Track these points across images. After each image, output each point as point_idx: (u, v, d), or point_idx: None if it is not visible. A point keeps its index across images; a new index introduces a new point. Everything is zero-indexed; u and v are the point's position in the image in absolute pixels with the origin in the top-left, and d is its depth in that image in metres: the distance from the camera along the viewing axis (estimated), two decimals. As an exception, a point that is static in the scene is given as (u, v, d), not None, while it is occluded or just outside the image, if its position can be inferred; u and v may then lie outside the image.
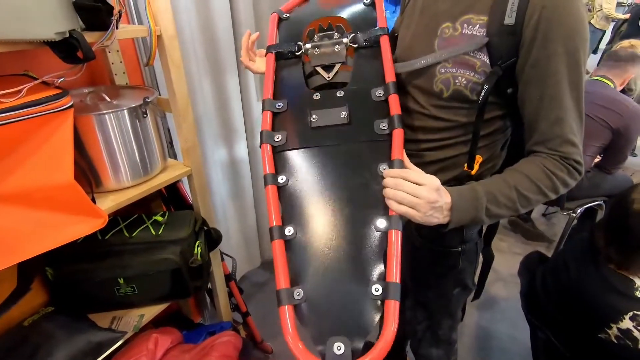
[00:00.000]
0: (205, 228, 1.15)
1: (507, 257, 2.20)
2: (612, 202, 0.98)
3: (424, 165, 0.72)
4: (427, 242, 0.85)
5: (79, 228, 0.76)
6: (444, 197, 0.59)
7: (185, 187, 1.21)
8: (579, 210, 1.84)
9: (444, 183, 0.64)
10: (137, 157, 0.93)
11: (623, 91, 1.79)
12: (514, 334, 1.70)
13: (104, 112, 0.84)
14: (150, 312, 1.08)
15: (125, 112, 0.87)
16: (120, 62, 1.06)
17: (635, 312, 0.86)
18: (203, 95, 1.43)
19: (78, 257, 0.96)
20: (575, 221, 1.88)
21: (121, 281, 0.99)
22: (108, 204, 0.88)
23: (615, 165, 1.80)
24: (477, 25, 0.62)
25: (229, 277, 1.36)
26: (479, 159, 0.72)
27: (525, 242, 2.31)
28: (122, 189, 0.94)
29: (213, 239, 1.17)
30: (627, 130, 1.66)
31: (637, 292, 0.89)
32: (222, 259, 1.32)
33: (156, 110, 0.99)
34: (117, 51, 1.04)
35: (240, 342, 0.82)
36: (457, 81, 0.65)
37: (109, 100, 0.91)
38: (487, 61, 0.62)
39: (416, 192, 0.55)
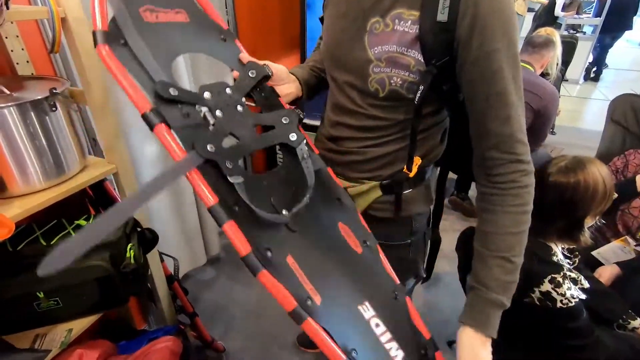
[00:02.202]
0: (139, 229, 1.07)
1: (449, 234, 2.31)
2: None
3: (367, 162, 0.73)
4: (376, 238, 0.83)
5: (-23, 240, 0.66)
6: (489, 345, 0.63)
7: (115, 187, 1.12)
8: (508, 186, 1.99)
9: (385, 179, 0.65)
10: (49, 156, 0.83)
11: (542, 75, 1.95)
12: (456, 305, 1.82)
13: (2, 105, 0.73)
14: (80, 325, 0.99)
15: (29, 105, 0.77)
16: (22, 49, 0.93)
17: (552, 275, 0.95)
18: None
19: (-16, 273, 0.84)
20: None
21: (40, 295, 0.89)
22: (14, 210, 0.78)
23: (536, 143, 1.97)
24: (409, 22, 0.58)
25: (170, 279, 1.29)
26: (417, 160, 0.72)
27: (465, 219, 2.47)
28: (33, 192, 0.83)
29: (148, 239, 1.09)
30: (546, 110, 1.81)
31: (554, 257, 0.98)
32: (162, 260, 1.25)
33: (69, 103, 0.89)
34: (17, 37, 0.92)
35: (179, 346, 0.78)
36: (392, 81, 0.62)
37: (8, 92, 0.80)
38: (421, 59, 0.59)
39: None
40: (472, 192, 2.70)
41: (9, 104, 0.74)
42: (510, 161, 0.61)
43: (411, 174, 0.72)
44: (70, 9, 0.78)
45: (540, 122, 1.87)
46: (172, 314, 1.33)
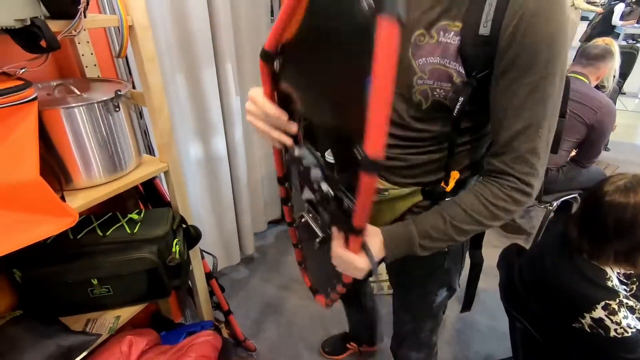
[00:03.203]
0: (184, 226, 1.12)
1: (487, 250, 2.21)
2: (585, 194, 1.01)
3: (409, 169, 0.72)
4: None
5: (47, 228, 0.72)
6: (374, 246, 0.62)
7: (163, 185, 1.18)
8: (555, 204, 1.89)
9: (427, 185, 0.65)
10: (110, 152, 0.89)
11: (597, 87, 1.84)
12: (492, 325, 1.74)
13: (73, 105, 0.80)
14: (127, 313, 1.05)
15: (96, 105, 0.83)
16: (91, 53, 1.01)
17: (606, 301, 0.89)
18: (176, 89, 1.39)
19: (48, 258, 0.91)
20: (552, 214, 1.93)
21: (94, 282, 0.95)
22: (79, 202, 0.84)
23: (589, 159, 1.85)
24: (452, 33, 0.57)
25: (209, 275, 1.34)
26: (455, 175, 0.70)
27: (504, 235, 2.36)
28: (94, 186, 0.90)
29: (192, 237, 1.14)
30: (600, 125, 1.71)
31: (609, 282, 0.92)
32: (202, 257, 1.29)
33: (130, 104, 0.95)
34: (88, 42, 1.00)
35: (219, 341, 0.80)
36: (435, 93, 0.62)
37: (78, 93, 0.87)
38: (463, 71, 0.58)
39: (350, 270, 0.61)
40: (514, 207, 2.58)
41: (80, 103, 0.81)
42: (500, 180, 0.61)
43: (448, 188, 0.71)
44: (137, 17, 0.84)
45: (594, 138, 1.76)
46: (209, 311, 1.37)
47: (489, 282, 2.04)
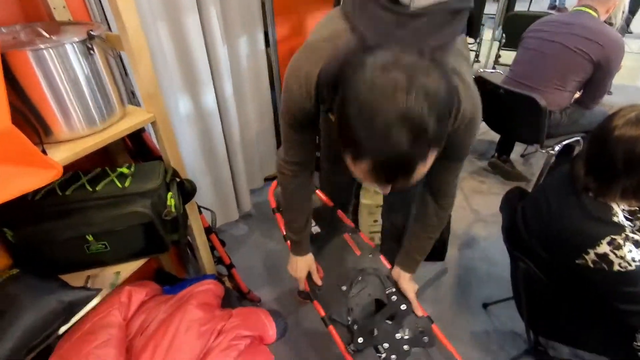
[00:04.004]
0: (178, 179, 1.08)
1: (487, 198, 2.24)
2: (594, 130, 0.96)
3: None
4: None
5: (29, 180, 0.68)
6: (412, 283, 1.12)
7: (153, 140, 1.12)
8: (557, 148, 1.86)
9: None
10: (90, 100, 0.83)
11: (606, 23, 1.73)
12: (492, 270, 1.77)
13: (42, 47, 0.72)
14: (127, 268, 1.04)
15: (67, 47, 0.75)
16: (58, -7, 0.91)
17: (612, 236, 0.87)
18: (159, 39, 1.29)
19: (38, 216, 0.88)
20: (553, 159, 1.90)
21: (90, 238, 0.93)
22: (61, 154, 0.79)
23: (594, 100, 1.79)
24: None
25: (208, 230, 1.32)
26: None
27: (505, 183, 2.36)
28: (77, 138, 0.85)
29: (187, 190, 1.10)
30: (607, 62, 1.62)
31: (614, 217, 0.90)
32: (200, 212, 1.27)
33: (106, 49, 0.87)
34: (53, -21, 0.90)
35: (221, 289, 0.80)
36: None
37: (47, 36, 0.79)
38: None
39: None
40: (515, 154, 2.55)
41: (49, 45, 0.73)
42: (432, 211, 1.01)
43: None
44: (102, -57, 0.74)
45: (600, 76, 1.69)
46: (211, 265, 1.37)
47: (489, 229, 2.07)
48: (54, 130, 0.81)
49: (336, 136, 0.62)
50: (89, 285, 0.97)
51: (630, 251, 0.87)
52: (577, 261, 0.93)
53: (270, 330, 0.70)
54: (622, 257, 0.87)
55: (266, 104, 2.04)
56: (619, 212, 0.91)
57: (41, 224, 0.87)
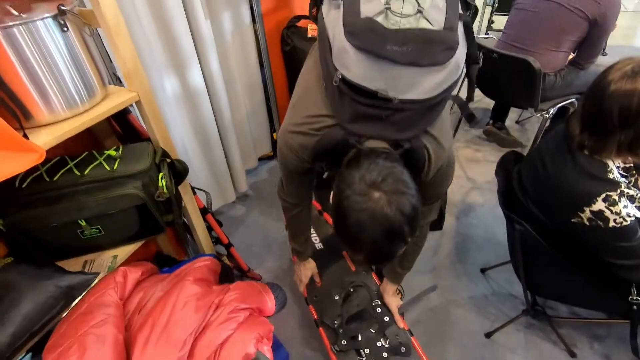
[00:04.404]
0: (169, 160, 1.06)
1: (483, 166, 2.24)
2: (589, 86, 0.94)
3: None
4: None
5: (10, 165, 0.66)
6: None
7: (141, 122, 1.10)
8: (551, 111, 1.84)
9: None
10: (68, 81, 0.80)
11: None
12: (488, 236, 1.79)
13: (10, 24, 0.69)
14: (124, 252, 1.03)
15: (38, 24, 0.72)
16: (25, -32, 0.86)
17: (607, 192, 0.87)
18: (137, 14, 1.24)
19: (27, 204, 0.87)
20: (548, 122, 1.88)
21: (83, 223, 0.92)
22: (43, 138, 0.77)
23: (588, 60, 1.76)
24: None
25: (204, 211, 1.31)
26: None
27: (500, 150, 2.34)
28: (59, 121, 0.82)
29: (179, 171, 1.08)
30: (603, 19, 1.58)
31: (610, 174, 0.90)
32: (194, 193, 1.26)
33: (81, 25, 0.83)
34: (18, -47, 0.84)
35: (217, 265, 0.79)
36: None
37: (16, 13, 0.75)
38: None
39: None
40: (510, 121, 2.53)
41: (17, 22, 0.69)
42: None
43: None
44: None
45: (595, 34, 1.65)
46: (209, 245, 1.37)
47: (486, 197, 2.07)
48: (33, 114, 0.79)
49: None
50: (86, 269, 0.97)
51: (626, 206, 0.87)
52: (572, 220, 0.93)
53: (269, 303, 0.70)
54: (617, 213, 0.87)
55: (256, 81, 1.99)
56: (614, 169, 0.91)
57: (31, 210, 0.86)
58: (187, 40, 1.42)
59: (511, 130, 2.45)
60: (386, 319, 1.25)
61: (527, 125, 2.57)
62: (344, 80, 0.70)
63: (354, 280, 1.34)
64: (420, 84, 0.69)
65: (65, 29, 0.76)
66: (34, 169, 0.90)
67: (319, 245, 1.50)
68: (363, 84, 0.68)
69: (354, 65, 0.68)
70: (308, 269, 1.31)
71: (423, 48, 0.66)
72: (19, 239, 0.90)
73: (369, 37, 0.66)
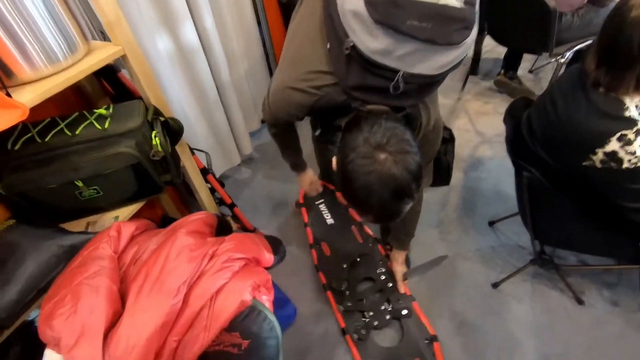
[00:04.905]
0: (162, 119, 1.03)
1: (492, 118, 2.15)
2: (607, 15, 0.86)
3: None
4: None
5: (-7, 122, 0.64)
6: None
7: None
8: (567, 55, 1.72)
9: None
10: (47, 35, 0.76)
11: None
12: (498, 189, 1.75)
13: (-26, -28, 0.65)
14: (125, 212, 1.04)
15: (5, -29, 0.67)
16: None
17: (622, 131, 0.82)
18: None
19: (22, 166, 0.86)
20: (563, 67, 1.77)
21: (79, 184, 0.91)
22: (27, 96, 0.74)
23: (608, -5, 1.62)
24: None
25: (205, 171, 1.30)
26: None
27: (510, 101, 2.24)
28: (42, 78, 0.79)
29: (174, 129, 1.06)
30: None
31: (626, 112, 0.83)
32: (193, 153, 1.24)
33: (53, -27, 0.78)
34: None
35: (213, 219, 0.79)
36: None
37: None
38: None
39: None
40: (522, 70, 2.40)
41: (-17, -31, 0.65)
42: None
43: None
44: None
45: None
46: (212, 206, 1.38)
47: (495, 149, 2.01)
48: (14, 71, 0.76)
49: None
50: (89, 231, 0.98)
51: (642, 145, 0.82)
52: (583, 163, 0.88)
53: (267, 253, 0.70)
54: (632, 153, 0.82)
55: (253, 38, 1.91)
56: (632, 106, 0.84)
57: (25, 172, 0.86)
58: (175, -8, 1.35)
59: (524, 80, 2.33)
60: (389, 285, 1.33)
61: (541, 74, 2.44)
62: (354, 48, 0.69)
63: (361, 251, 1.44)
64: (431, 61, 0.69)
65: (36, -22, 0.71)
66: (25, 130, 0.89)
67: (330, 221, 1.60)
68: (378, 60, 0.68)
69: (369, 39, 0.67)
70: (307, 177, 1.38)
71: (441, 26, 0.65)
72: (18, 202, 0.90)
73: (390, 10, 0.64)
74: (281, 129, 1.11)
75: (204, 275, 0.59)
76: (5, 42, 0.72)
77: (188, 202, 1.57)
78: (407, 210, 0.75)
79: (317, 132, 1.17)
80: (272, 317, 0.61)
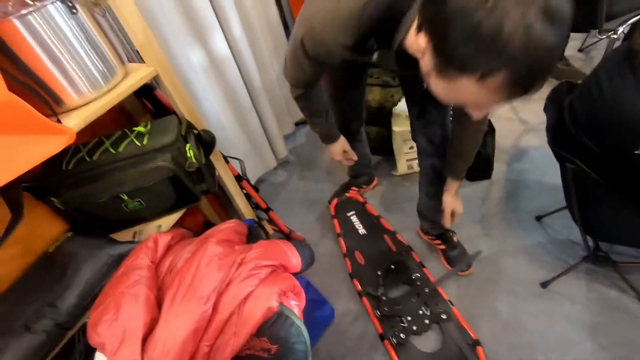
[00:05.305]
0: (196, 132, 1.09)
1: (537, 104, 1.98)
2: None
3: None
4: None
5: (45, 148, 0.71)
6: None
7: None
8: (620, 30, 1.56)
9: None
10: (87, 62, 0.83)
11: None
12: (544, 181, 1.64)
13: (24, 12, 0.72)
14: (168, 221, 1.11)
15: (49, 8, 0.75)
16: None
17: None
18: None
19: (75, 183, 0.95)
20: (616, 45, 1.61)
21: (125, 197, 0.99)
22: (74, 120, 0.82)
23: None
24: None
25: (239, 178, 1.35)
26: None
27: (558, 85, 2.08)
28: (87, 103, 0.87)
29: (206, 141, 1.11)
30: None
31: (686, 92, 0.75)
32: (227, 162, 1.29)
33: (89, 5, 0.85)
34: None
35: (243, 227, 0.82)
36: None
37: (31, 2, 0.78)
38: None
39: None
40: (571, 50, 2.22)
41: (31, 9, 0.73)
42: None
43: None
44: None
45: None
46: (249, 211, 1.42)
47: (542, 138, 1.87)
48: (63, 99, 0.84)
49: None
50: (135, 239, 1.06)
51: None
52: (636, 151, 0.80)
53: (294, 259, 0.71)
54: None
55: (281, 42, 1.94)
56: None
57: (79, 189, 0.94)
58: (206, 6, 1.41)
59: (572, 60, 2.16)
60: (426, 290, 1.31)
61: (592, 53, 2.24)
62: None
63: (394, 258, 1.44)
64: None
65: (74, 10, 0.78)
66: (77, 151, 0.98)
67: (362, 231, 1.62)
68: None
69: None
70: (338, 145, 1.23)
71: None
72: (75, 216, 1.00)
73: None
74: (308, 87, 0.99)
75: (232, 282, 0.61)
76: (54, 73, 0.80)
77: (227, 208, 1.64)
78: (468, 130, 0.72)
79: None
80: (300, 323, 0.63)
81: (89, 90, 0.86)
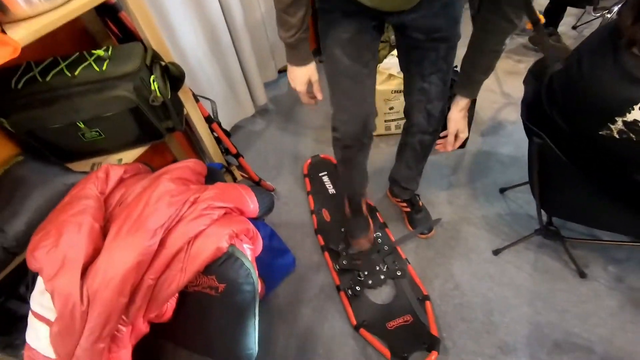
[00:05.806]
0: (163, 63, 1.02)
1: (522, 79, 2.00)
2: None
3: None
4: (428, 35, 0.94)
5: (-15, 58, 0.65)
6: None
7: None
8: (615, 9, 1.53)
9: None
10: (38, -32, 0.74)
11: None
12: (516, 154, 1.67)
13: None
14: (129, 155, 1.07)
15: None
16: None
17: (650, 99, 0.74)
18: None
19: (26, 105, 0.89)
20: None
21: (81, 125, 0.94)
22: (21, 32, 0.74)
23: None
24: None
25: (209, 120, 1.30)
26: None
27: (546, 61, 2.06)
28: (38, 14, 0.78)
29: (175, 75, 1.04)
30: None
31: (658, 76, 0.74)
32: (197, 101, 1.23)
33: None
34: None
35: (202, 167, 0.79)
36: None
37: None
38: None
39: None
40: (565, 27, 2.18)
41: None
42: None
43: None
44: None
45: None
46: (218, 155, 1.39)
47: (519, 113, 1.89)
48: (8, 6, 0.75)
49: None
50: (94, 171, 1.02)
51: (669, 115, 0.74)
52: (600, 132, 0.81)
53: (251, 204, 0.71)
54: (655, 124, 0.74)
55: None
56: (665, 69, 0.75)
57: (30, 111, 0.88)
58: None
59: (565, 38, 2.12)
60: (385, 247, 1.38)
61: (585, 31, 2.21)
62: None
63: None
64: None
65: None
66: (28, 69, 0.90)
67: (331, 191, 1.63)
68: None
69: None
70: (303, 74, 0.94)
71: None
72: (27, 141, 0.94)
73: None
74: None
75: (183, 220, 0.61)
76: (-3, -26, 0.71)
77: (197, 149, 1.60)
78: (495, 22, 0.72)
79: None
80: (249, 265, 0.63)
81: (40, 1, 0.77)
